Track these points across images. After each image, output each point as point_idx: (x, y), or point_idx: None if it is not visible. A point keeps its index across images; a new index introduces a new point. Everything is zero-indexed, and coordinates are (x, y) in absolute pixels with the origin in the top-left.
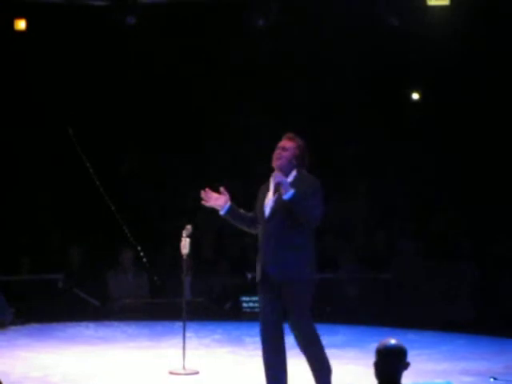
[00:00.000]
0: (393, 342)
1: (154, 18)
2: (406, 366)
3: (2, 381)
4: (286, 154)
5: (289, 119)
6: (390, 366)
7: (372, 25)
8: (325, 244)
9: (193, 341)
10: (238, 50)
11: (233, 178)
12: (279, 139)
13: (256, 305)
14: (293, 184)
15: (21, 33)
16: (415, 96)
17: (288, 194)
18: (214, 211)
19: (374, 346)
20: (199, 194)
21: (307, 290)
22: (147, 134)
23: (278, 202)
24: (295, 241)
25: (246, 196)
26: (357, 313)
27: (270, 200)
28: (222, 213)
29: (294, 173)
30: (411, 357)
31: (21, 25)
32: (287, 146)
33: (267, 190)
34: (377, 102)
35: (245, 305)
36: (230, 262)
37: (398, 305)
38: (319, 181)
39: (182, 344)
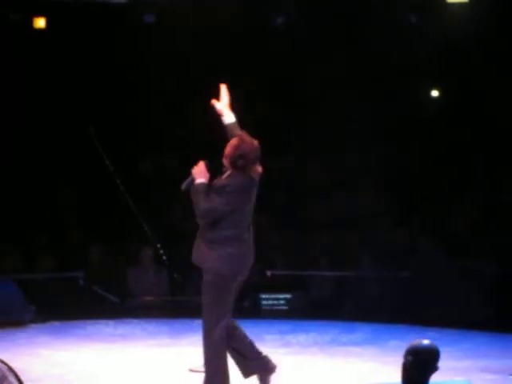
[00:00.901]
0: (425, 343)
1: (174, 17)
2: (435, 369)
3: (22, 378)
4: (225, 151)
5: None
6: (424, 366)
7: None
8: (345, 242)
9: None
10: None
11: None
12: None
13: (275, 302)
14: (220, 180)
15: (40, 31)
16: (434, 93)
17: (183, 185)
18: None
19: (393, 344)
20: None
21: (212, 287)
22: (169, 132)
23: None
24: (207, 236)
25: None
26: (376, 311)
27: None
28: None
29: (229, 171)
30: None
31: (40, 23)
32: (229, 144)
33: None
34: (395, 99)
35: (264, 302)
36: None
37: (418, 303)
38: (229, 184)
39: (201, 341)
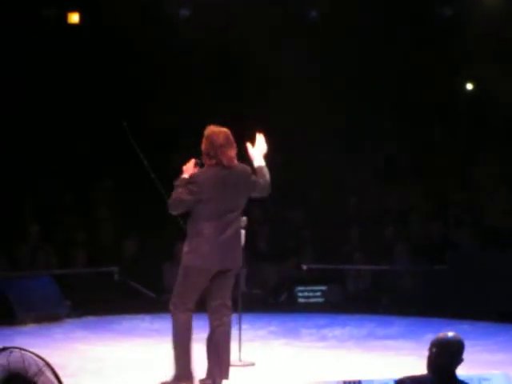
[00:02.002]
0: (452, 335)
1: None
2: (459, 361)
3: (59, 373)
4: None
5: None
6: (443, 360)
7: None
8: (380, 236)
9: (248, 333)
10: None
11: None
12: None
13: (311, 295)
14: None
15: (74, 26)
16: (469, 86)
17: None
18: (268, 203)
19: (428, 338)
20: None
21: (180, 275)
22: (202, 126)
23: None
24: (186, 227)
25: None
26: (412, 304)
27: None
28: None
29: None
30: (466, 348)
31: (74, 18)
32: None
33: None
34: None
35: (300, 295)
36: (285, 254)
37: (452, 296)
38: (195, 175)
39: (237, 336)
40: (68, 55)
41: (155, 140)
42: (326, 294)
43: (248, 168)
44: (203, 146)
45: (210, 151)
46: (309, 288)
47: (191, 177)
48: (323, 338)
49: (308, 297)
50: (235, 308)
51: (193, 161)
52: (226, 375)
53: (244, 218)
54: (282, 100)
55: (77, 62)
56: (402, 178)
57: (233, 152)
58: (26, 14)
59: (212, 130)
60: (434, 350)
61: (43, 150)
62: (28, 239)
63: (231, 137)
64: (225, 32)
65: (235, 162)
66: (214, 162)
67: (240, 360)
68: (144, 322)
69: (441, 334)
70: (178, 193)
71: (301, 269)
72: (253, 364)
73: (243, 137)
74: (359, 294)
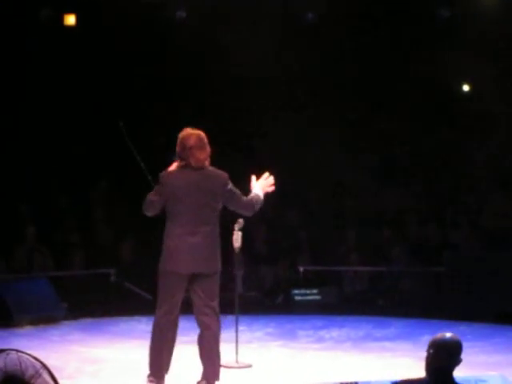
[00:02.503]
0: (450, 336)
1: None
2: (458, 362)
3: (56, 375)
4: None
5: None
6: (442, 361)
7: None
8: (377, 237)
9: (245, 334)
10: None
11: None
12: None
13: (308, 298)
14: None
15: (70, 28)
16: (465, 88)
17: None
18: (265, 205)
19: (426, 339)
20: (249, 186)
21: (159, 277)
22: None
23: None
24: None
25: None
26: (409, 306)
27: None
28: None
29: None
30: (464, 349)
31: (70, 20)
32: None
33: None
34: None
35: (296, 298)
36: (282, 256)
37: (450, 297)
38: (161, 176)
39: (234, 338)
40: (64, 57)
41: (152, 141)
42: (323, 295)
43: (224, 175)
44: (177, 148)
45: (182, 153)
46: (305, 290)
47: (159, 177)
48: (320, 340)
49: (305, 299)
50: (232, 310)
51: (175, 163)
52: (216, 377)
53: (241, 220)
54: (278, 100)
55: (73, 63)
56: (400, 178)
57: (202, 154)
58: (23, 16)
59: (185, 132)
60: (431, 350)
61: (40, 152)
62: (24, 241)
63: (204, 140)
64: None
65: (205, 164)
66: (184, 163)
67: (237, 362)
68: (141, 323)
69: (438, 335)
70: (150, 194)
71: (297, 270)
72: (250, 366)
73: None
74: (356, 296)
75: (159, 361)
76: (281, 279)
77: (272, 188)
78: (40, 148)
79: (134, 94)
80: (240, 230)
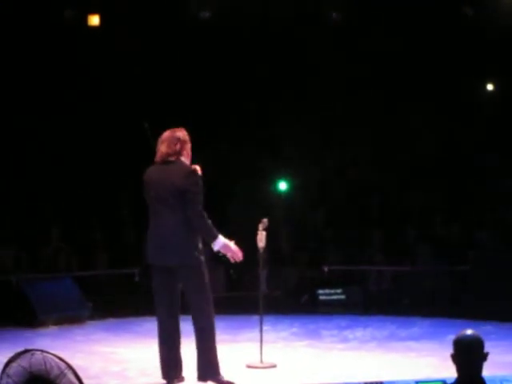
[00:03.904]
0: (469, 333)
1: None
2: (484, 356)
3: (81, 376)
4: None
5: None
6: (468, 357)
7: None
8: (402, 236)
9: (270, 334)
10: None
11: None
12: None
13: (333, 297)
14: None
15: (94, 28)
16: (490, 87)
17: None
18: (290, 204)
19: (450, 338)
20: (276, 186)
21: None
22: (222, 126)
23: None
24: None
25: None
26: (434, 305)
27: None
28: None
29: None
30: (488, 349)
31: (94, 20)
32: None
33: None
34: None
35: (321, 297)
36: (306, 255)
37: (475, 297)
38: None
39: (259, 337)
40: (88, 57)
41: None
42: (348, 295)
43: (187, 168)
44: None
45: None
46: (330, 289)
47: None
48: (345, 340)
49: (329, 298)
50: (256, 309)
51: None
52: (202, 374)
53: (265, 220)
54: (304, 98)
55: (96, 63)
56: (425, 178)
57: (167, 149)
58: (47, 17)
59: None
60: (454, 349)
61: (65, 152)
62: (49, 241)
63: (176, 136)
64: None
65: (169, 158)
66: (156, 158)
67: (262, 362)
68: None
69: (459, 333)
70: None
71: (322, 270)
72: (274, 366)
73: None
74: (380, 295)
75: (162, 357)
76: (305, 279)
77: (232, 259)
78: (65, 148)
79: (157, 95)
80: (264, 229)
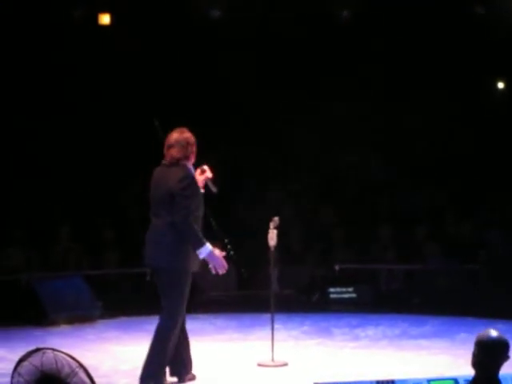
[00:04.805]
0: (494, 334)
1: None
2: (506, 359)
3: (92, 374)
4: None
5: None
6: (490, 358)
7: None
8: (413, 235)
9: (281, 333)
10: None
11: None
12: None
13: (344, 296)
14: None
15: (105, 27)
16: (500, 85)
17: None
18: (300, 203)
19: (462, 337)
20: (285, 186)
21: None
22: (233, 126)
23: None
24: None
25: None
26: (445, 304)
27: None
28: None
29: None
30: None
31: (105, 19)
32: None
33: None
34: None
35: (332, 296)
36: (317, 254)
37: (486, 295)
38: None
39: (270, 336)
40: (99, 56)
41: None
42: (358, 293)
43: (183, 172)
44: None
45: (164, 150)
46: (341, 288)
47: None
48: (356, 338)
49: (340, 296)
50: (267, 308)
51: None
52: (142, 375)
53: (276, 218)
54: (315, 97)
55: (109, 63)
56: (436, 176)
57: (178, 153)
58: (58, 16)
59: (173, 131)
60: (476, 349)
61: (74, 151)
62: (60, 240)
63: (186, 140)
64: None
65: (180, 162)
66: (164, 160)
67: (273, 360)
68: None
69: (484, 332)
70: None
71: (333, 268)
72: (286, 364)
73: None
74: (392, 294)
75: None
76: (316, 277)
77: (213, 270)
78: (75, 147)
79: (166, 94)
80: (275, 228)
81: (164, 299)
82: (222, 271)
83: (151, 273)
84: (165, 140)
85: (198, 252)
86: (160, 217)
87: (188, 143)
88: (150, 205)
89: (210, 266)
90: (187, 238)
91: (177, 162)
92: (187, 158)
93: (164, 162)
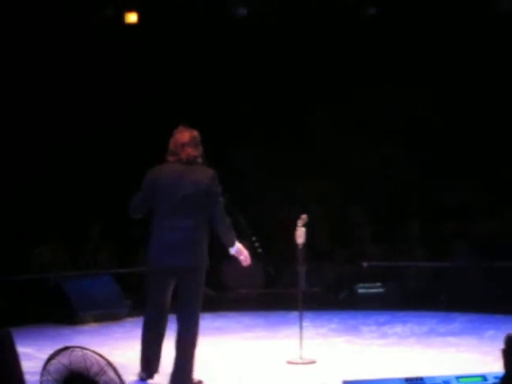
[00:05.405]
0: None
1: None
2: None
3: (120, 373)
4: None
5: None
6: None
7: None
8: (441, 232)
9: (309, 330)
10: None
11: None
12: None
13: (371, 293)
14: None
15: (132, 26)
16: None
17: None
18: (329, 201)
19: (490, 334)
20: (313, 183)
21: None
22: (261, 125)
23: None
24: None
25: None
26: (473, 301)
27: None
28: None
29: None
30: None
31: (132, 18)
32: None
33: None
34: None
35: (360, 293)
36: (345, 251)
37: None
38: (154, 169)
39: (298, 334)
40: (125, 55)
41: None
42: (386, 291)
43: (210, 170)
44: (169, 145)
45: (173, 149)
46: (369, 285)
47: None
48: (384, 335)
49: (368, 294)
50: (295, 306)
51: None
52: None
53: (304, 216)
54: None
55: (136, 61)
56: (464, 172)
57: (195, 151)
58: (85, 15)
59: (179, 130)
60: (506, 345)
61: (104, 150)
62: (89, 239)
63: (197, 138)
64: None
65: (197, 161)
66: (174, 158)
67: (301, 358)
68: (205, 320)
69: None
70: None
71: (361, 266)
72: (314, 362)
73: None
74: (419, 291)
75: (143, 358)
76: (344, 275)
77: (244, 262)
78: (106, 146)
79: (194, 93)
80: (303, 225)
81: (192, 299)
82: (248, 264)
83: (166, 273)
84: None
85: (231, 248)
86: (188, 216)
87: (199, 141)
88: (161, 205)
89: (242, 258)
90: (226, 234)
91: (194, 161)
92: (201, 155)
93: (173, 159)
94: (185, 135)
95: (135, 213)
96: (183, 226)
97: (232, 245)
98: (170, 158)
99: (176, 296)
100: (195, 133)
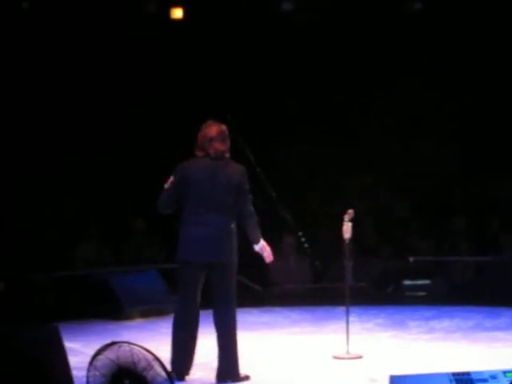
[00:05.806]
0: None
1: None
2: None
3: (167, 367)
4: None
5: None
6: None
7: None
8: (488, 227)
9: (356, 325)
10: None
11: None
12: None
13: (418, 288)
14: None
15: (178, 21)
16: None
17: None
18: (374, 197)
19: None
20: (360, 178)
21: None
22: (305, 120)
23: None
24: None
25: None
26: None
27: None
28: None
29: None
30: None
31: (177, 13)
32: None
33: None
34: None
35: (407, 288)
36: (392, 246)
37: None
38: (183, 164)
39: (344, 329)
40: (171, 51)
41: (257, 134)
42: (433, 285)
43: (243, 167)
44: (198, 140)
45: (202, 144)
46: (415, 280)
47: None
48: (431, 330)
49: (415, 289)
50: (342, 301)
51: None
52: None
53: (351, 211)
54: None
55: (181, 57)
56: (507, 167)
57: (222, 146)
58: (131, 10)
59: (208, 124)
60: None
61: (146, 144)
62: (134, 234)
63: (225, 133)
64: None
65: (225, 156)
66: (203, 153)
67: (348, 353)
68: (252, 315)
69: None
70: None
71: (407, 261)
72: (361, 357)
73: None
74: (465, 286)
75: (176, 353)
76: (390, 270)
77: (267, 258)
78: (147, 141)
79: (242, 87)
80: (350, 220)
81: (226, 294)
82: (270, 260)
83: (197, 268)
84: (238, 134)
85: (255, 244)
86: (220, 212)
87: (227, 136)
88: (193, 200)
89: (265, 254)
90: (254, 230)
91: (222, 155)
92: (229, 150)
93: (201, 154)
94: (213, 129)
95: (165, 209)
96: (215, 221)
97: (258, 242)
98: (199, 153)
99: (205, 293)
100: (223, 127)
